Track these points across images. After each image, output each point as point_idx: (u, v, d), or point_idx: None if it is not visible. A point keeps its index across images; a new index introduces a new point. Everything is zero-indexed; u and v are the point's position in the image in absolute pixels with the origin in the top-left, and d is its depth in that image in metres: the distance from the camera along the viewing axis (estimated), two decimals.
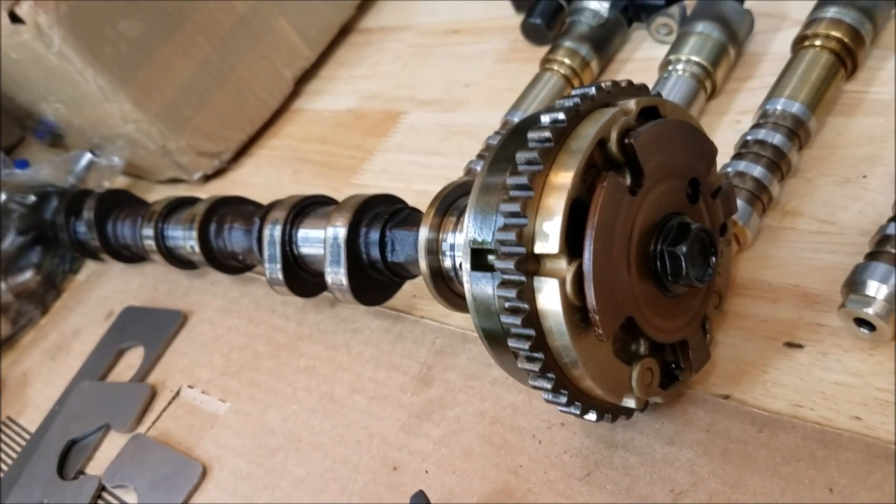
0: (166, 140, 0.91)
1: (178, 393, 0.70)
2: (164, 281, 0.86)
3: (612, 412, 0.43)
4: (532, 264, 0.38)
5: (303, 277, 0.63)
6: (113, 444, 0.69)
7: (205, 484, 0.61)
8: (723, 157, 0.49)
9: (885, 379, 0.41)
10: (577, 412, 0.42)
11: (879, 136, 0.52)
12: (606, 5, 0.71)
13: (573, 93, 0.41)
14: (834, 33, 0.55)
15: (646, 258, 0.41)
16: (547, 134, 0.39)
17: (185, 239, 0.73)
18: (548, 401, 0.41)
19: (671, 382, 0.45)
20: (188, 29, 0.90)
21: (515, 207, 0.38)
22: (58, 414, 0.76)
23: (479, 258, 0.40)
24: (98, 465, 0.68)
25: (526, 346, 0.38)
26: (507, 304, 0.38)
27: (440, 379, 0.57)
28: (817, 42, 0.55)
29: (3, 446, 0.78)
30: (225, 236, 0.70)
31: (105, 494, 0.65)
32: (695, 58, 0.61)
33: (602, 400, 0.42)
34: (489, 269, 0.40)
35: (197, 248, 0.71)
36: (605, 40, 0.72)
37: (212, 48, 0.92)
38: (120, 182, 1.04)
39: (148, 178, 1.03)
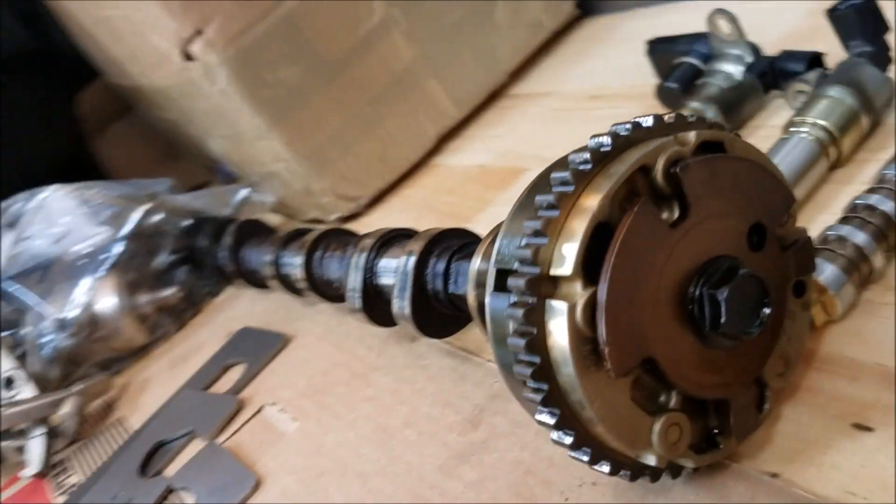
0: (310, 181, 0.97)
1: (260, 409, 0.72)
2: (283, 307, 0.90)
3: (631, 469, 0.39)
4: (547, 287, 0.36)
5: (380, 307, 0.64)
6: (193, 450, 0.72)
7: (255, 496, 0.61)
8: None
9: None
10: (587, 459, 0.38)
11: None
12: (741, 69, 0.68)
13: (630, 120, 0.39)
14: None
15: (683, 300, 0.37)
16: (586, 156, 0.37)
17: (293, 266, 0.76)
18: (555, 441, 0.38)
19: (710, 448, 0.40)
20: (343, 82, 0.96)
21: (537, 226, 0.36)
22: (155, 417, 0.80)
23: (502, 279, 0.39)
24: (175, 468, 0.71)
25: (528, 372, 0.36)
26: (515, 327, 0.36)
27: (488, 423, 0.54)
28: None
29: (107, 443, 0.83)
30: (325, 263, 0.72)
31: (171, 496, 0.68)
32: (821, 122, 0.56)
33: (619, 453, 0.38)
34: (508, 290, 0.38)
35: (301, 275, 0.74)
36: (735, 104, 0.68)
37: (364, 101, 0.98)
38: (269, 219, 1.12)
39: (293, 216, 1.10)
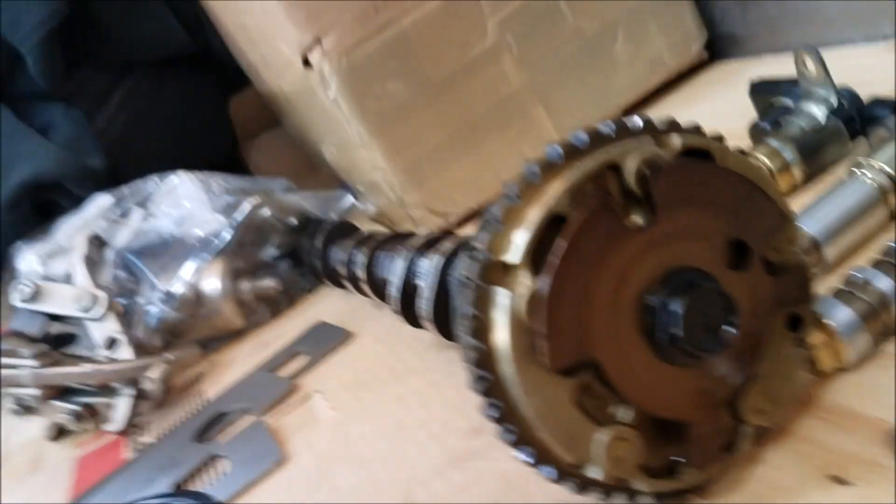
0: (405, 193, 1.01)
1: (308, 395, 0.76)
2: (359, 308, 0.93)
3: (578, 480, 0.37)
4: (497, 274, 0.36)
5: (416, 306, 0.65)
6: (245, 424, 0.76)
7: (278, 472, 0.64)
8: None
9: None
10: (531, 461, 0.37)
11: None
12: (825, 111, 0.64)
13: (616, 119, 0.38)
14: None
15: (640, 308, 0.36)
16: (559, 149, 0.37)
17: (358, 265, 0.79)
18: (501, 438, 0.37)
19: (668, 475, 0.37)
20: (447, 101, 0.99)
21: (497, 213, 0.36)
22: (226, 392, 0.86)
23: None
24: (226, 438, 0.76)
25: (473, 358, 0.36)
26: (463, 311, 0.36)
27: (490, 431, 0.54)
28: None
29: (184, 410, 0.90)
30: (383, 263, 0.74)
31: (214, 461, 0.72)
32: (887, 168, 0.52)
33: (566, 462, 0.37)
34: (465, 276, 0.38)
35: (363, 275, 0.77)
36: (816, 147, 0.64)
37: (464, 122, 1.00)
38: (374, 228, 1.17)
39: (391, 226, 1.14)
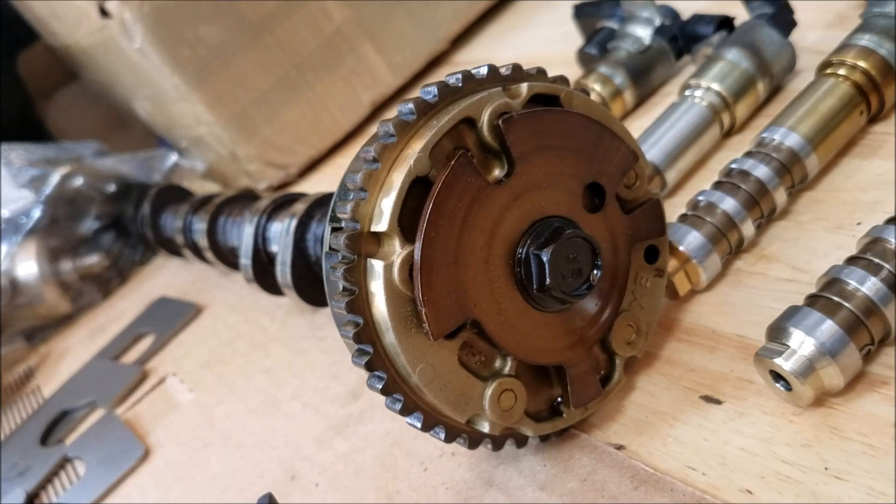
0: (236, 146, 0.95)
1: (162, 380, 0.71)
2: (202, 277, 0.88)
3: (469, 436, 0.37)
4: (369, 244, 0.34)
5: (273, 273, 0.62)
6: (94, 419, 0.71)
7: (141, 467, 0.60)
8: None
9: (795, 451, 0.33)
10: (419, 426, 0.36)
11: (889, 181, 0.43)
12: (649, 32, 0.65)
13: (462, 70, 0.37)
14: (861, 64, 0.46)
15: (511, 261, 0.35)
16: (411, 106, 0.35)
17: (199, 233, 0.74)
18: (388, 407, 0.36)
19: (552, 417, 0.38)
20: (269, 42, 0.93)
21: (357, 180, 0.34)
22: (64, 386, 0.79)
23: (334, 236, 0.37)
24: (75, 437, 0.70)
25: (351, 333, 0.34)
26: (338, 286, 0.34)
27: (369, 394, 0.53)
28: (840, 71, 0.47)
29: (23, 410, 0.82)
30: (227, 230, 0.70)
31: (67, 464, 0.66)
32: (715, 86, 0.54)
33: (453, 420, 0.37)
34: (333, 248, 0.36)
35: (205, 243, 0.72)
36: (644, 69, 0.66)
37: (291, 64, 0.95)
38: (206, 187, 1.10)
39: (226, 184, 1.08)
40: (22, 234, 0.93)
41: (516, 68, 0.37)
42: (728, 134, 0.56)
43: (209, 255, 0.73)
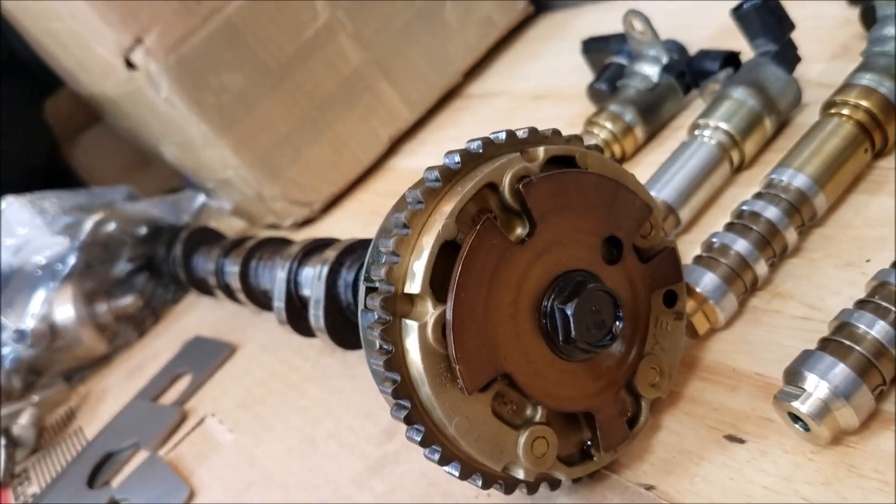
0: (261, 187, 0.98)
1: (202, 420, 0.74)
2: (235, 315, 0.91)
3: (505, 482, 0.40)
4: (403, 305, 0.37)
5: (306, 318, 0.64)
6: (138, 461, 0.73)
7: None
8: None
9: (815, 489, 0.35)
10: (457, 474, 0.39)
11: (891, 217, 0.45)
12: (657, 70, 0.68)
13: (482, 137, 0.39)
14: (863, 103, 0.48)
15: (537, 315, 0.38)
16: (436, 174, 0.38)
17: (232, 275, 0.77)
18: (426, 457, 0.39)
19: (582, 460, 0.40)
20: (289, 86, 0.96)
21: (390, 244, 0.37)
22: (107, 428, 0.82)
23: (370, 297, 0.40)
24: (121, 479, 0.73)
25: (389, 390, 0.37)
26: (376, 345, 0.37)
27: (402, 434, 0.55)
28: (844, 111, 0.49)
29: (66, 452, 0.85)
30: (259, 273, 0.73)
31: None
32: (723, 125, 0.56)
33: (489, 467, 0.39)
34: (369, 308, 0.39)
35: (238, 285, 0.75)
36: (653, 106, 0.68)
37: (311, 105, 0.98)
38: (234, 224, 1.13)
39: (253, 222, 1.11)
40: (59, 279, 0.97)
41: (532, 131, 0.40)
42: (738, 170, 0.58)
43: (241, 296, 0.76)
